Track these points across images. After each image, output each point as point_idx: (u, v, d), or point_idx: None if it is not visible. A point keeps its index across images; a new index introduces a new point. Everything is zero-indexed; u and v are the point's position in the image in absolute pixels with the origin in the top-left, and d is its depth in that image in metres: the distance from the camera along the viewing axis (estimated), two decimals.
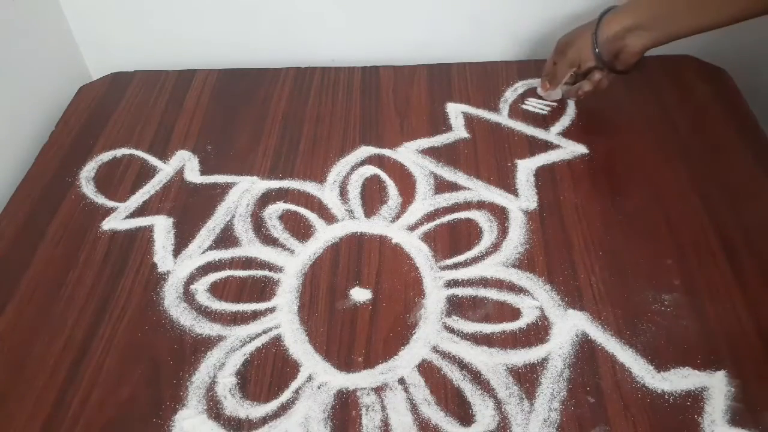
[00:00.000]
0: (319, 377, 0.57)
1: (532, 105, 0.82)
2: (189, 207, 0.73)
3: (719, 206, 0.68)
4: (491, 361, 0.57)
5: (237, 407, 0.55)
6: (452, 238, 0.67)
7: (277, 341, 0.60)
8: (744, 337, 0.57)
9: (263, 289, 0.64)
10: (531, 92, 0.84)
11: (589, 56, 0.72)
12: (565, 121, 0.80)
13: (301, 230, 0.69)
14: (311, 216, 0.71)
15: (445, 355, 0.58)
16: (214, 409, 0.55)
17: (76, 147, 0.81)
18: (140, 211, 0.73)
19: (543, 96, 0.82)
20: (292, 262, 0.66)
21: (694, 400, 0.54)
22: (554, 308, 0.61)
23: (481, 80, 0.87)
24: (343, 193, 0.73)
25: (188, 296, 0.64)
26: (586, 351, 0.57)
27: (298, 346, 0.59)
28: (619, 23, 0.69)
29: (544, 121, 0.80)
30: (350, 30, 0.93)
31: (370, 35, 0.94)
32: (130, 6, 0.91)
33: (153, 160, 0.79)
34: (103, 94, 0.90)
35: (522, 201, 0.71)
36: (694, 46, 0.88)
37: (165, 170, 0.77)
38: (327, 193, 0.73)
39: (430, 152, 0.77)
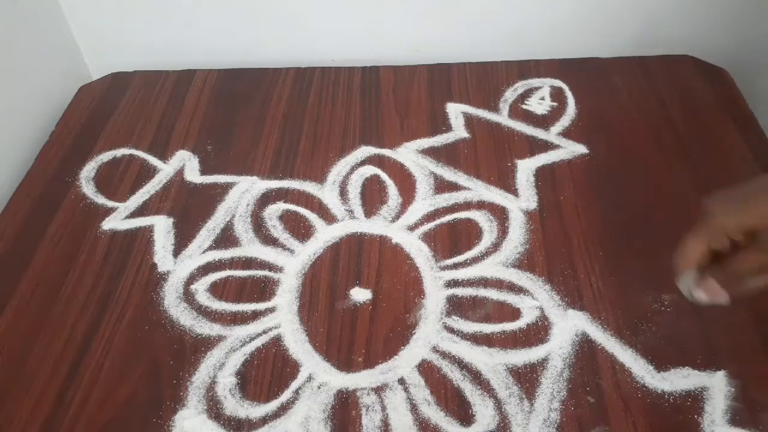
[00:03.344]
0: (319, 377, 0.57)
1: (533, 104, 0.82)
2: (189, 207, 0.73)
3: None
4: (491, 361, 0.57)
5: (237, 407, 0.55)
6: (452, 238, 0.67)
7: (277, 341, 0.60)
8: (744, 337, 0.57)
9: (263, 289, 0.64)
10: (530, 92, 0.84)
11: None
12: (565, 121, 0.80)
13: (301, 230, 0.69)
14: (311, 216, 0.71)
15: (445, 355, 0.58)
16: (214, 409, 0.55)
17: (76, 147, 0.81)
18: (140, 211, 0.72)
19: (702, 300, 0.49)
20: (292, 262, 0.66)
21: (694, 400, 0.54)
22: (554, 308, 0.61)
23: (481, 80, 0.87)
24: (343, 193, 0.73)
25: (188, 296, 0.64)
26: (586, 351, 0.57)
27: (298, 346, 0.59)
28: None
29: (544, 121, 0.80)
30: (350, 30, 0.93)
31: (370, 35, 0.94)
32: (130, 6, 0.91)
33: (153, 160, 0.79)
34: (103, 94, 0.90)
35: (522, 201, 0.71)
36: (694, 46, 0.89)
37: (165, 170, 0.77)
38: (327, 193, 0.73)
39: (430, 152, 0.77)
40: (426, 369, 0.57)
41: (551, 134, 0.78)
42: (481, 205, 0.71)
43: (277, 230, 0.70)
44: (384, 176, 0.75)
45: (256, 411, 0.55)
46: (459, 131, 0.80)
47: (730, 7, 0.87)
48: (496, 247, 0.66)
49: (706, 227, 0.48)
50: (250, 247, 0.68)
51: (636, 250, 0.65)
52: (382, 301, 0.62)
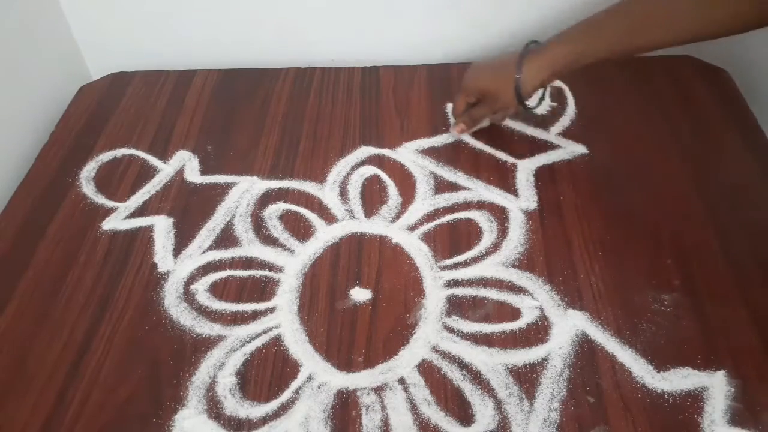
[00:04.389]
0: (319, 377, 0.57)
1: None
2: (189, 207, 0.73)
3: (719, 206, 0.68)
4: (491, 361, 0.57)
5: (237, 407, 0.55)
6: (452, 238, 0.67)
7: (277, 341, 0.60)
8: (744, 337, 0.57)
9: (263, 289, 0.64)
10: None
11: (512, 104, 0.71)
12: (565, 121, 0.80)
13: (301, 230, 0.69)
14: (311, 216, 0.71)
15: (445, 355, 0.58)
16: (214, 409, 0.55)
17: (76, 147, 0.81)
18: (140, 211, 0.72)
19: (456, 135, 0.78)
20: (292, 262, 0.66)
21: (694, 400, 0.54)
22: (554, 308, 0.61)
23: None
24: (343, 193, 0.73)
25: (188, 296, 0.64)
26: (586, 351, 0.57)
27: (298, 346, 0.59)
28: (548, 72, 0.67)
29: (544, 121, 0.80)
30: (350, 30, 0.93)
31: (370, 35, 0.94)
32: (130, 6, 0.91)
33: (153, 160, 0.79)
34: (103, 94, 0.90)
35: (522, 201, 0.71)
36: (695, 46, 0.88)
37: (165, 170, 0.77)
38: (327, 193, 0.73)
39: (430, 152, 0.77)
40: (426, 369, 0.57)
41: (551, 134, 0.78)
42: (481, 205, 0.71)
43: (277, 230, 0.70)
44: (384, 176, 0.75)
45: (256, 411, 0.55)
46: None
47: None
48: (496, 247, 0.66)
49: (462, 89, 0.74)
50: (250, 247, 0.68)
51: (636, 250, 0.65)
52: (382, 301, 0.62)
